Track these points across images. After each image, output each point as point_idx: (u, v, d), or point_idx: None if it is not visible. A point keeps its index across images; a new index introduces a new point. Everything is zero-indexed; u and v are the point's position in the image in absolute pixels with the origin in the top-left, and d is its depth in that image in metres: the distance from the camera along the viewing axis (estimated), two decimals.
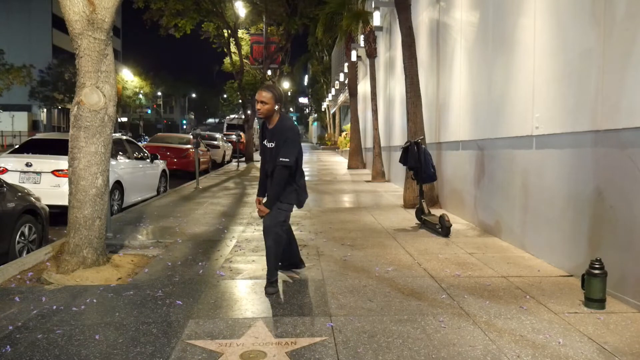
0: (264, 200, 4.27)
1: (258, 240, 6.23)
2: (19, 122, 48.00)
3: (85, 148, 4.72)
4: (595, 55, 4.34)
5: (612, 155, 4.13)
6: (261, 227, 7.12)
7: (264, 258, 4.34)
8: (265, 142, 4.27)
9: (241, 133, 27.57)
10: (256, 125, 34.84)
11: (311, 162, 24.37)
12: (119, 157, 8.98)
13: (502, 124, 6.35)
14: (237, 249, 5.79)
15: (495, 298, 4.09)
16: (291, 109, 63.41)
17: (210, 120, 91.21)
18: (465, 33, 7.78)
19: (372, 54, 15.24)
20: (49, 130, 49.71)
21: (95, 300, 3.98)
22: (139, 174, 9.80)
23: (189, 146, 16.12)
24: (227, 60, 27.33)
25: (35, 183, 7.60)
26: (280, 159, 4.06)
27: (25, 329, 3.40)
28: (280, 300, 4.04)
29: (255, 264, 5.13)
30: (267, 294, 4.15)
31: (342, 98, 32.67)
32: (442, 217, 6.56)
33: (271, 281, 4.23)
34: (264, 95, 4.09)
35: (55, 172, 7.66)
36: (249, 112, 25.70)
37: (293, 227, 7.12)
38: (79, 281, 4.46)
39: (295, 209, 4.43)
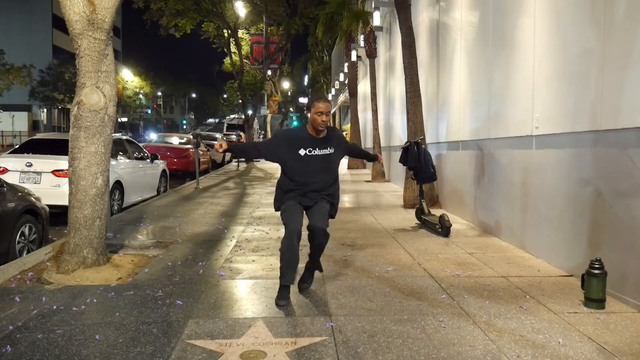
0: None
1: (258, 240, 6.24)
2: (19, 122, 47.99)
3: (85, 148, 4.72)
4: (595, 55, 4.34)
5: (612, 155, 4.13)
6: (261, 227, 7.19)
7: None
8: (309, 150, 4.05)
9: (241, 133, 27.58)
10: (256, 125, 34.84)
11: None
12: (119, 157, 8.98)
13: (502, 124, 6.35)
14: (237, 249, 5.79)
15: (495, 298, 4.09)
16: (291, 109, 63.40)
17: (211, 120, 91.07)
18: (465, 33, 7.78)
19: (372, 54, 15.23)
20: (49, 130, 49.69)
21: (95, 300, 3.99)
22: (139, 174, 9.80)
23: (189, 146, 16.14)
24: (227, 60, 27.35)
25: (35, 183, 7.60)
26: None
27: (25, 329, 3.41)
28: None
29: (255, 264, 5.13)
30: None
31: (342, 98, 32.64)
32: (442, 217, 6.57)
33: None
34: (328, 106, 4.00)
35: (56, 172, 7.67)
36: (249, 112, 25.71)
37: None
38: (79, 281, 4.46)
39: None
